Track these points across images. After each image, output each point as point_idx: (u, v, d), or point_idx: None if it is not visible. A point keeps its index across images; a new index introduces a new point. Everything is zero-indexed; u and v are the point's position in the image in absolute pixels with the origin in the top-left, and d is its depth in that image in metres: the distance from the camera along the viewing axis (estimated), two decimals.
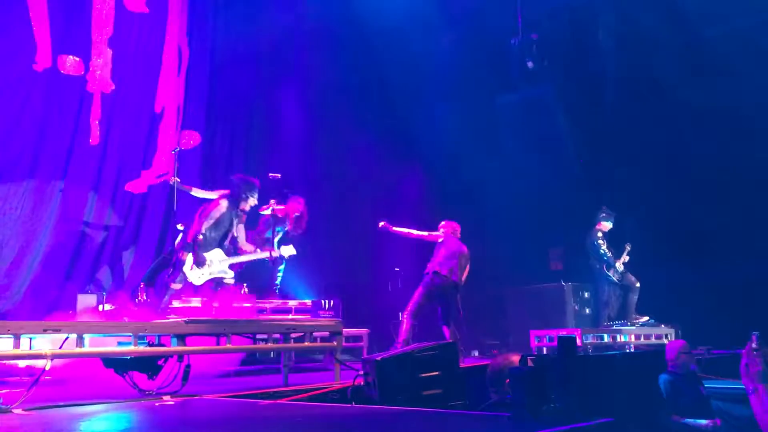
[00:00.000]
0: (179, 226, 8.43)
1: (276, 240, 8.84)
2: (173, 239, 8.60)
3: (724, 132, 9.71)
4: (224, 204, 8.01)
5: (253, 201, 8.22)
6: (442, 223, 8.85)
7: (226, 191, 8.27)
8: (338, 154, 11.82)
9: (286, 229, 9.02)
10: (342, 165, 11.86)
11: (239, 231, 8.27)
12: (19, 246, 9.01)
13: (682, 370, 6.21)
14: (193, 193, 8.63)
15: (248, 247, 8.34)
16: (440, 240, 8.64)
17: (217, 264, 7.99)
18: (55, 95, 9.42)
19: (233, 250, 8.22)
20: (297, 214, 8.94)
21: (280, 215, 8.92)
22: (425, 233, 8.78)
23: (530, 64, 11.04)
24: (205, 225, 7.90)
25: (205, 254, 7.93)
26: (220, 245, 8.08)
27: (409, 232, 8.80)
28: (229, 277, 8.10)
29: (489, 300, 11.42)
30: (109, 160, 9.84)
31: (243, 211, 8.15)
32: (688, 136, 10.00)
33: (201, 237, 7.83)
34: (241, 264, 8.26)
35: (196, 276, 7.91)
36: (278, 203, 8.88)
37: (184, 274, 7.89)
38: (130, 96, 10.09)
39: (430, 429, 3.41)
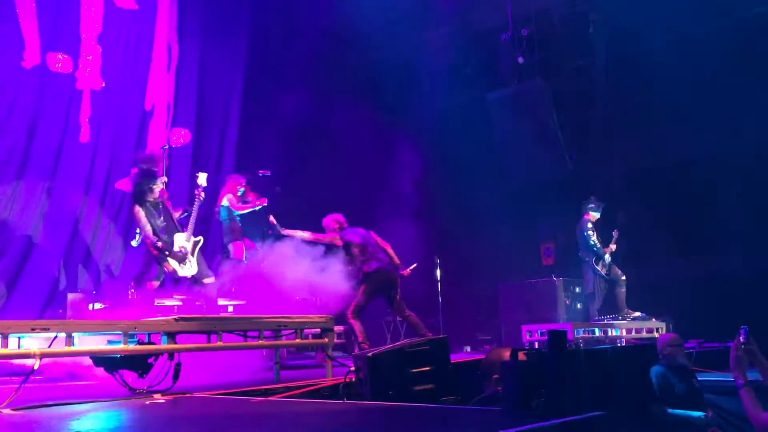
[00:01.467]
0: (133, 243, 8.53)
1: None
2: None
3: (715, 127, 9.74)
4: (140, 210, 7.90)
5: (158, 187, 8.06)
6: (329, 222, 8.48)
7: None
8: (329, 152, 11.81)
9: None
10: (333, 162, 11.84)
11: (165, 208, 8.16)
12: (8, 245, 8.96)
13: (672, 363, 6.23)
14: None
15: (176, 212, 8.26)
16: (339, 240, 8.29)
17: (187, 243, 7.95)
18: (44, 93, 9.38)
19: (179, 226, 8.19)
20: (241, 188, 8.90)
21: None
22: (321, 235, 8.35)
23: (521, 60, 11.05)
24: (149, 231, 7.83)
25: (176, 248, 7.89)
26: (176, 230, 8.03)
27: (299, 234, 8.31)
28: (208, 277, 8.07)
29: (481, 295, 11.44)
30: (99, 158, 9.81)
31: (155, 199, 8.01)
32: (679, 131, 10.03)
33: (160, 243, 7.79)
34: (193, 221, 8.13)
35: (188, 270, 7.89)
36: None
37: (168, 273, 7.86)
38: (119, 93, 10.06)
39: (422, 424, 3.40)
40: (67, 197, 9.49)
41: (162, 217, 7.93)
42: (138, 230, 8.21)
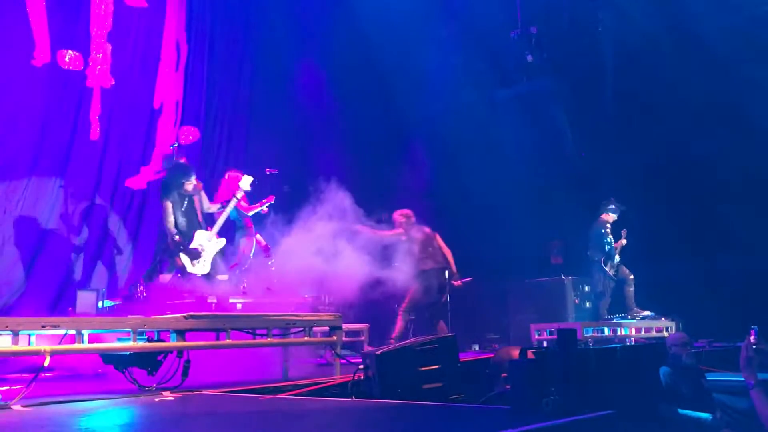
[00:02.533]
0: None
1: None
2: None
3: (725, 125, 9.69)
4: (168, 204, 7.96)
5: (190, 183, 8.13)
6: (397, 217, 8.69)
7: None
8: (337, 149, 11.79)
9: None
10: (340, 160, 11.83)
11: (201, 202, 8.26)
12: (20, 243, 9.01)
13: (679, 363, 6.20)
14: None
15: (214, 206, 8.36)
16: (404, 236, 8.55)
17: (208, 243, 7.99)
18: (54, 91, 9.42)
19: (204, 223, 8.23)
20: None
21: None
22: (387, 232, 8.54)
23: (530, 58, 11.01)
24: (170, 224, 7.89)
25: (192, 245, 7.92)
26: (198, 227, 8.08)
27: (375, 233, 8.48)
28: (222, 274, 8.10)
29: (490, 294, 11.40)
30: (109, 156, 9.84)
31: (186, 192, 8.08)
32: (689, 129, 9.97)
33: (177, 237, 7.83)
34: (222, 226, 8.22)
35: (200, 268, 7.92)
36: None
37: (178, 268, 7.89)
38: (129, 91, 10.09)
39: (430, 422, 3.40)
40: (78, 194, 9.53)
41: (188, 213, 8.01)
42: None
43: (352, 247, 7.99)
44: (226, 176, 8.81)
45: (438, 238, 8.71)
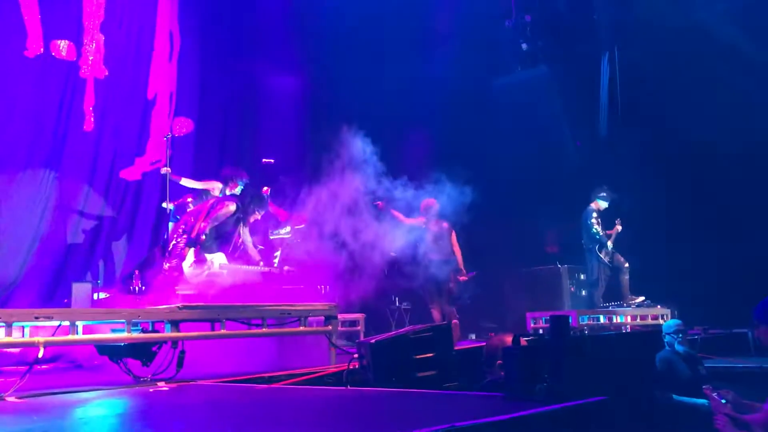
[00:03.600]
0: (169, 206, 8.42)
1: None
2: (167, 226, 8.57)
3: (721, 111, 9.67)
4: (232, 208, 7.99)
5: (259, 215, 8.25)
6: (424, 205, 9.02)
7: (215, 182, 8.26)
8: (332, 140, 11.75)
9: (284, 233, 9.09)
10: (336, 150, 11.79)
11: (245, 236, 8.31)
12: (14, 235, 8.98)
13: (674, 350, 6.23)
14: (182, 182, 8.61)
15: (256, 256, 8.36)
16: (425, 223, 8.93)
17: (216, 268, 7.94)
18: (47, 82, 9.36)
19: (236, 254, 8.24)
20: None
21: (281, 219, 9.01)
22: (413, 220, 8.94)
23: (524, 46, 10.98)
24: (210, 225, 7.88)
25: (207, 255, 7.89)
26: (220, 248, 8.06)
27: (402, 218, 8.90)
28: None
29: (486, 283, 11.40)
30: (103, 147, 9.80)
31: (248, 221, 8.18)
32: (685, 115, 9.95)
33: (204, 237, 7.82)
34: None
35: (193, 274, 7.87)
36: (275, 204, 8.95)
37: (179, 264, 7.87)
38: (122, 82, 10.03)
39: (424, 410, 3.40)
40: (72, 186, 9.48)
41: (225, 231, 8.05)
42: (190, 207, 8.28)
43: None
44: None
45: (453, 235, 9.08)
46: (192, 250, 7.86)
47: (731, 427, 3.79)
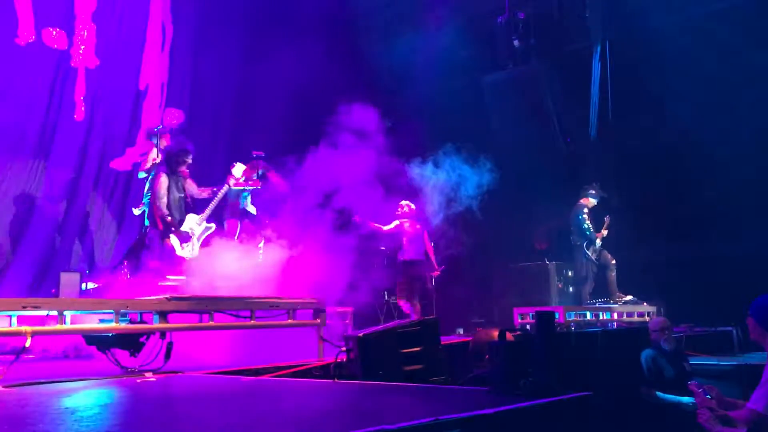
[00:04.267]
0: (135, 211, 8.60)
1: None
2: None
3: (712, 110, 9.73)
4: (164, 178, 7.96)
5: (188, 161, 8.17)
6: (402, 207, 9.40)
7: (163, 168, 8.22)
8: (323, 133, 11.74)
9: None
10: (326, 143, 11.78)
11: (190, 187, 8.31)
12: (2, 224, 8.95)
13: (659, 347, 6.28)
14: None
15: (204, 192, 8.38)
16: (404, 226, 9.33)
17: (197, 227, 8.01)
18: (38, 70, 9.33)
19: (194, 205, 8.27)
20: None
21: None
22: (391, 227, 9.29)
23: (516, 43, 11.00)
24: (163, 204, 7.87)
25: (183, 227, 7.92)
26: (188, 211, 8.09)
27: (380, 228, 9.24)
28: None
29: (475, 278, 11.45)
30: (93, 137, 9.77)
31: (182, 174, 8.11)
32: (675, 114, 10.01)
33: (169, 218, 7.81)
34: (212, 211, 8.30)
35: (188, 251, 7.91)
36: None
37: (165, 252, 7.87)
38: (114, 72, 10.00)
39: (410, 403, 3.43)
40: (62, 176, 9.46)
41: (181, 194, 7.99)
42: (145, 199, 8.22)
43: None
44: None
45: (426, 234, 9.44)
46: (172, 236, 7.87)
47: (714, 422, 3.83)
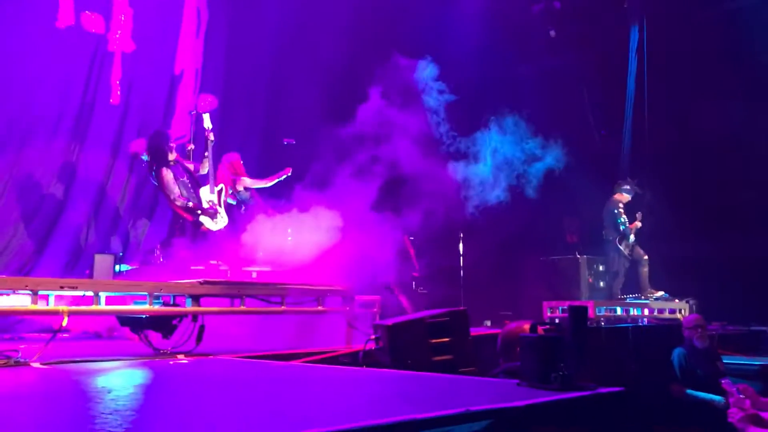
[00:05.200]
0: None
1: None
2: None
3: (754, 104, 9.54)
4: (167, 172, 7.90)
5: (173, 144, 8.12)
6: None
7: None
8: (353, 122, 11.72)
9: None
10: (356, 130, 11.76)
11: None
12: (40, 205, 9.11)
13: (692, 345, 6.21)
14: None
15: (203, 168, 8.35)
16: None
17: (213, 196, 8.02)
18: (76, 54, 9.46)
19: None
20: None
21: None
22: None
23: (552, 33, 10.88)
24: (176, 195, 7.84)
25: (205, 204, 7.93)
26: (198, 185, 8.10)
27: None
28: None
29: (503, 271, 11.39)
30: (129, 121, 9.90)
31: (175, 160, 8.06)
32: (710, 107, 9.83)
33: (191, 203, 7.83)
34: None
35: (221, 223, 7.98)
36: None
37: (198, 237, 7.93)
38: (150, 57, 10.10)
39: (439, 392, 3.43)
40: (97, 159, 9.60)
41: (185, 176, 8.00)
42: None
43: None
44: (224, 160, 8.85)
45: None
46: (202, 217, 7.90)
47: (747, 421, 3.79)
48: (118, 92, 9.73)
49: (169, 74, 10.36)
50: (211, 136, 8.25)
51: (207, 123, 8.27)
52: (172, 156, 7.93)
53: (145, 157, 8.20)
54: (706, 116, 9.87)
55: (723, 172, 9.86)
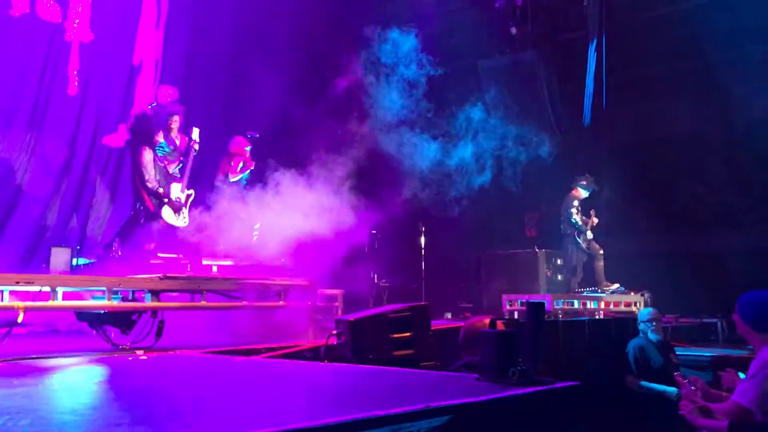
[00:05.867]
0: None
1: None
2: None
3: (703, 101, 9.77)
4: (148, 152, 7.88)
5: (160, 129, 8.14)
6: None
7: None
8: (316, 115, 11.70)
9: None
10: (320, 125, 11.75)
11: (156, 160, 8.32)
12: None
13: (647, 337, 6.36)
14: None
15: (172, 166, 8.33)
16: None
17: (182, 195, 7.99)
18: (32, 43, 9.24)
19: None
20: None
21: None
22: None
23: (513, 30, 10.98)
24: (150, 176, 7.81)
25: (172, 196, 7.90)
26: (172, 179, 8.07)
27: None
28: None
29: (464, 264, 11.51)
30: (86, 112, 9.72)
31: (157, 142, 8.04)
32: (666, 105, 10.06)
33: (161, 190, 7.78)
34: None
35: (182, 221, 7.91)
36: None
37: (161, 229, 7.86)
38: (108, 47, 9.92)
39: (399, 388, 3.47)
40: (55, 149, 9.41)
41: (162, 164, 7.95)
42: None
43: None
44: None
45: None
46: (165, 207, 7.85)
47: (697, 413, 3.90)
48: (76, 83, 9.54)
49: (128, 65, 10.20)
50: (196, 146, 8.29)
51: (195, 135, 8.41)
52: (159, 137, 7.92)
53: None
54: (661, 114, 10.10)
55: (676, 169, 10.10)
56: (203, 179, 9.39)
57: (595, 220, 10.01)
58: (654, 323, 6.45)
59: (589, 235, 9.92)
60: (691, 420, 3.92)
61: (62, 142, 9.49)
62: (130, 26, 10.20)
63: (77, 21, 9.53)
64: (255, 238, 8.61)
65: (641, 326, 6.49)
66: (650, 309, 6.99)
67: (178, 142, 8.23)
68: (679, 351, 6.95)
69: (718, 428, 3.71)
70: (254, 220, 8.66)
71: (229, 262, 7.90)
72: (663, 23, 10.23)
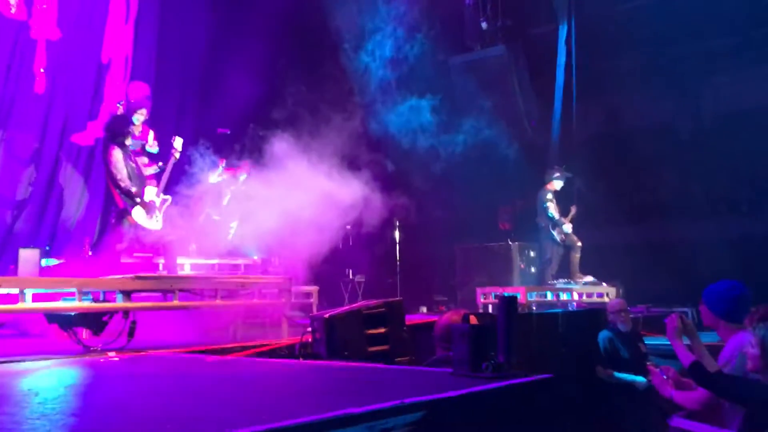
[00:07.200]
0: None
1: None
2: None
3: (671, 95, 9.90)
4: (117, 151, 7.74)
5: (133, 130, 8.01)
6: None
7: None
8: (288, 112, 11.65)
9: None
10: (292, 123, 11.71)
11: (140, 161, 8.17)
12: None
13: (616, 328, 6.44)
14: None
15: (150, 168, 8.17)
16: None
17: (156, 199, 7.90)
18: None
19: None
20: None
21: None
22: None
23: (484, 25, 11.02)
24: (123, 175, 7.67)
25: (146, 199, 7.80)
26: (145, 182, 7.98)
27: None
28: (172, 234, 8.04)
29: (438, 257, 11.56)
30: (54, 110, 9.56)
31: (129, 145, 7.94)
32: (636, 99, 10.18)
33: (134, 189, 7.67)
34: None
35: (154, 224, 7.81)
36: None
37: (132, 230, 7.75)
38: (76, 45, 9.77)
39: (374, 384, 3.48)
40: (22, 149, 9.26)
41: (134, 165, 7.82)
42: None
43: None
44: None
45: None
46: (137, 207, 7.73)
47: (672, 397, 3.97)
48: (43, 81, 9.39)
49: (97, 62, 10.05)
50: (177, 155, 8.19)
51: (177, 144, 8.28)
52: (128, 141, 7.78)
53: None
54: (631, 106, 10.22)
55: (646, 160, 10.22)
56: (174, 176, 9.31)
57: (573, 213, 10.08)
58: (622, 314, 6.53)
59: (568, 227, 9.98)
60: (661, 389, 3.99)
61: (30, 141, 9.34)
62: (98, 23, 10.06)
63: (43, 18, 9.36)
64: (231, 236, 8.58)
65: (610, 318, 6.57)
66: (618, 300, 7.08)
67: (138, 132, 8.07)
68: (650, 341, 7.04)
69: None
70: (231, 218, 8.62)
71: (202, 261, 7.86)
72: (632, 16, 10.33)
